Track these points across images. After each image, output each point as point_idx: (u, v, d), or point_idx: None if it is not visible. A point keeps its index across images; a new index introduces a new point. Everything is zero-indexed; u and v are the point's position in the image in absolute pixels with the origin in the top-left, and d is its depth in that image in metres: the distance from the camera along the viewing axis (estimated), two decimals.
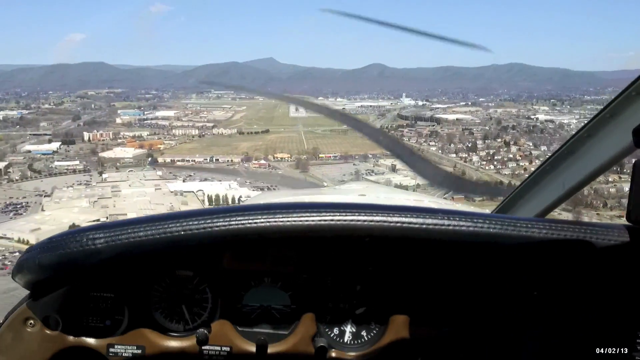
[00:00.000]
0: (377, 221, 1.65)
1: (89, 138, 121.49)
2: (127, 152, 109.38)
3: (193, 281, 1.92)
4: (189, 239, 1.61)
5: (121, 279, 1.86)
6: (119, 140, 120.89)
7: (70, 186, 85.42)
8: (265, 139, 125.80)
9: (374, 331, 1.95)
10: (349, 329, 1.95)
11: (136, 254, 1.65)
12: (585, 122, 2.31)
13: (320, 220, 1.64)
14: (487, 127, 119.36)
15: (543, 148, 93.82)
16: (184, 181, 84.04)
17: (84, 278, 1.80)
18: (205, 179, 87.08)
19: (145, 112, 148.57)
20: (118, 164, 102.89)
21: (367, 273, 1.92)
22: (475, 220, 1.67)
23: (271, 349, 1.89)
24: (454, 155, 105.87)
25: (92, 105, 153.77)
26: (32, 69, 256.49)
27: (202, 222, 1.62)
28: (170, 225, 1.62)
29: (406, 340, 1.88)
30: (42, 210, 73.19)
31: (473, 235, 1.66)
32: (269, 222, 1.62)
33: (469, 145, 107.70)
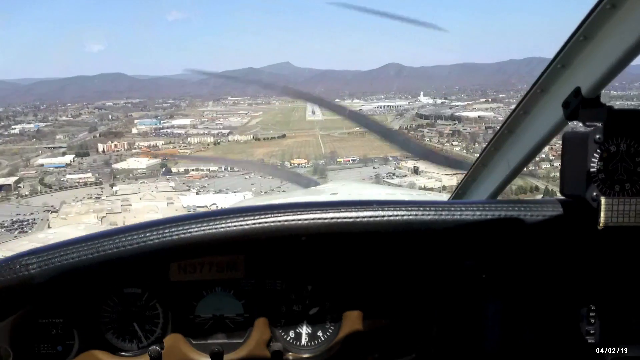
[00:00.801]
0: (311, 219, 1.65)
1: (104, 149, 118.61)
2: (140, 163, 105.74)
3: (142, 297, 1.90)
4: (121, 256, 1.58)
5: (68, 303, 1.81)
6: (134, 151, 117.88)
7: (80, 200, 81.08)
8: (281, 144, 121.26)
9: (330, 330, 1.96)
10: (304, 330, 1.97)
11: (72, 276, 1.61)
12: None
13: (254, 224, 1.63)
14: None
15: None
16: (197, 193, 78.97)
17: (28, 305, 1.76)
18: (220, 191, 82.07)
19: (162, 122, 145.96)
20: (131, 175, 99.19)
21: (316, 272, 1.93)
22: (409, 209, 1.69)
23: (227, 358, 1.88)
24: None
25: (110, 116, 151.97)
26: (52, 82, 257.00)
27: (135, 237, 1.59)
28: (103, 244, 1.59)
29: (361, 335, 1.89)
30: (48, 227, 68.61)
31: (407, 223, 1.67)
32: (202, 230, 1.61)
33: None
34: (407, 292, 1.92)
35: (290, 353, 1.92)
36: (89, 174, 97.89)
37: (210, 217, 1.63)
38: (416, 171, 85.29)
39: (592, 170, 1.71)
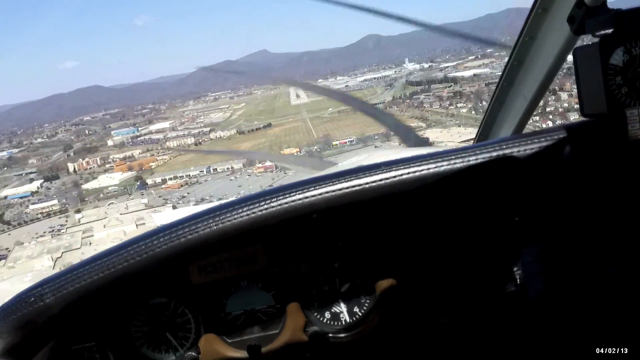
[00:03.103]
0: (318, 194, 1.57)
1: (74, 169, 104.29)
2: (112, 179, 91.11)
3: (169, 306, 1.81)
4: (132, 268, 1.54)
5: (96, 325, 1.76)
6: (107, 166, 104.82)
7: (37, 237, 65.88)
8: (268, 135, 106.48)
9: (366, 304, 1.83)
10: (340, 309, 1.84)
11: (89, 298, 1.56)
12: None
13: (261, 211, 1.56)
14: None
15: None
16: (174, 207, 62.64)
17: (55, 335, 1.70)
18: (202, 199, 66.17)
19: (140, 128, 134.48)
20: (102, 194, 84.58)
21: (340, 248, 1.80)
22: (420, 164, 1.59)
23: (265, 350, 1.79)
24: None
25: (87, 131, 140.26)
26: (28, 105, 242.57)
27: (143, 246, 1.54)
28: (112, 260, 1.55)
29: (398, 302, 1.78)
30: None
31: (420, 179, 1.58)
32: (210, 227, 1.55)
33: None
34: (438, 251, 1.77)
35: (330, 334, 1.79)
36: (55, 201, 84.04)
37: (217, 212, 1.57)
38: (426, 142, 69.22)
39: (610, 82, 1.52)
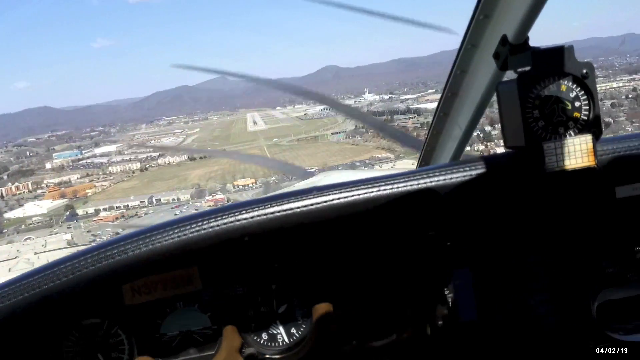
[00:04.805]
0: (249, 217, 1.55)
1: (1, 194, 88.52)
2: (40, 207, 77.51)
3: (102, 326, 1.74)
4: (58, 289, 1.48)
5: (25, 345, 1.66)
6: (39, 192, 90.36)
7: None
8: (221, 163, 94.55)
9: (303, 326, 1.81)
10: (277, 330, 1.81)
11: (15, 317, 1.50)
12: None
13: (192, 233, 1.54)
14: None
15: None
16: None
17: None
18: None
19: (84, 151, 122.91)
20: (23, 226, 70.86)
21: (276, 270, 1.77)
22: (350, 189, 1.59)
23: None
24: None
25: (28, 153, 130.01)
26: None
27: (69, 266, 1.49)
28: (37, 280, 1.48)
29: (334, 326, 1.75)
30: None
31: (350, 205, 1.57)
32: (139, 248, 1.51)
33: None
34: (374, 274, 1.76)
35: (266, 355, 1.77)
36: None
37: (147, 233, 1.53)
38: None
39: (528, 117, 1.54)
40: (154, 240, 1.51)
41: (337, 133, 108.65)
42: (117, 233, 61.57)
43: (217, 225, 1.53)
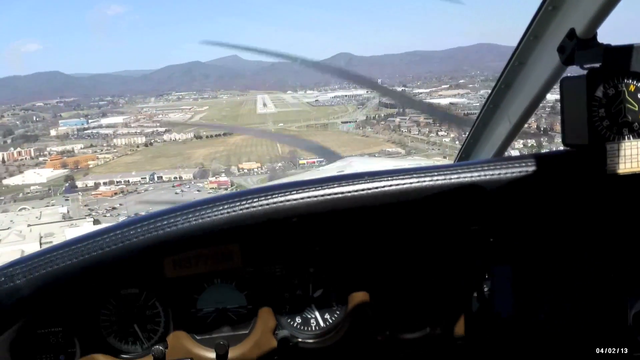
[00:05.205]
0: (300, 198, 1.52)
1: (3, 158, 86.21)
2: (40, 176, 75.60)
3: (140, 297, 1.75)
4: (106, 257, 1.47)
5: (65, 310, 1.69)
6: (41, 159, 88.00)
7: None
8: (227, 143, 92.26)
9: (337, 313, 1.79)
10: (311, 315, 1.80)
11: (60, 283, 1.49)
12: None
13: (241, 210, 1.51)
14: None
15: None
16: (96, 222, 47.60)
17: (22, 317, 1.63)
18: (136, 215, 50.78)
19: (90, 121, 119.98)
20: (21, 194, 68.87)
21: (317, 254, 1.76)
22: (403, 177, 1.55)
23: (233, 352, 1.75)
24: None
25: (34, 118, 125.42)
26: None
27: (119, 235, 1.48)
28: (87, 246, 1.47)
29: (369, 315, 1.74)
30: None
31: (402, 192, 1.54)
32: (188, 221, 1.49)
33: None
34: (413, 266, 1.75)
35: (298, 339, 1.75)
36: None
37: (197, 207, 1.51)
38: None
39: (593, 115, 1.50)
40: (204, 214, 1.49)
41: (347, 122, 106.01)
42: (114, 208, 59.76)
43: (267, 204, 1.50)
